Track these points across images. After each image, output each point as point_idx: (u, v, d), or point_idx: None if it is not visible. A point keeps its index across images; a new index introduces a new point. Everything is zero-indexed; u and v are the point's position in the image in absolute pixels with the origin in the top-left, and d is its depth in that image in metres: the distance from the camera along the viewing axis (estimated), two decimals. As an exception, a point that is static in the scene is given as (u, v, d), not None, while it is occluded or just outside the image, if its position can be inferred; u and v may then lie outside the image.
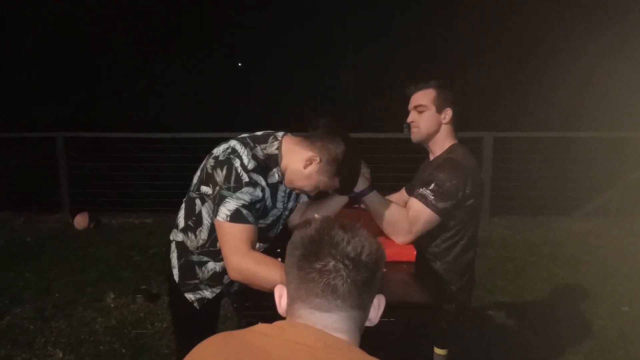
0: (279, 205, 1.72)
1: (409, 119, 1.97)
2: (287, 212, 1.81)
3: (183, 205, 1.78)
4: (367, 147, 5.64)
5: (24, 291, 3.76)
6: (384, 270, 1.58)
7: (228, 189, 1.54)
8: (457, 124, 1.96)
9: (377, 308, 0.91)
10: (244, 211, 1.54)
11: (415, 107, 1.94)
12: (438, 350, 1.35)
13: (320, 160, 1.59)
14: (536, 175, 5.74)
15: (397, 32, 13.39)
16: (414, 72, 13.19)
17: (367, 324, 0.91)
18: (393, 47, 13.60)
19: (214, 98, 14.93)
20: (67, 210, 5.68)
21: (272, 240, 1.80)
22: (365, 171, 1.79)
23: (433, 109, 1.91)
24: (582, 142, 5.82)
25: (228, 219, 1.53)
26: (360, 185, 1.78)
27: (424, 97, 1.92)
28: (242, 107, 14.29)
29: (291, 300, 0.89)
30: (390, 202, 1.86)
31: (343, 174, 1.60)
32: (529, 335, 3.11)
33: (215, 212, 1.57)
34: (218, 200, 1.56)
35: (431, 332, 1.39)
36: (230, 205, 1.54)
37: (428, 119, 1.91)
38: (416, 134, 1.96)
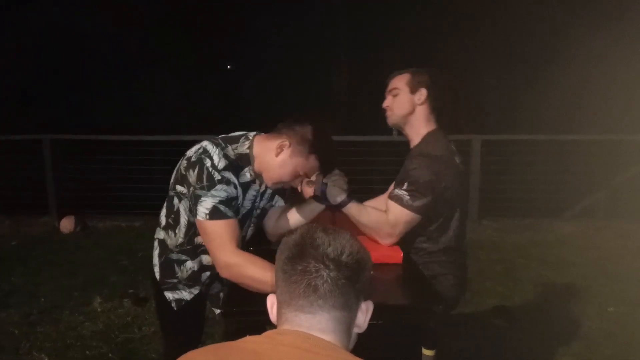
0: (247, 204, 1.72)
1: (384, 104, 1.96)
2: (257, 211, 1.79)
3: (165, 204, 1.78)
4: (359, 149, 5.70)
5: (9, 296, 3.71)
6: (371, 272, 1.59)
7: (202, 188, 1.55)
8: (437, 109, 1.93)
9: (365, 313, 0.92)
10: (222, 207, 1.54)
11: (390, 90, 1.94)
12: (426, 352, 1.34)
13: (290, 143, 1.59)
14: (525, 177, 5.79)
15: (390, 35, 13.44)
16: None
17: (356, 330, 0.92)
18: (385, 50, 13.64)
19: (204, 101, 14.87)
20: (53, 214, 5.61)
21: (244, 242, 1.78)
22: (342, 182, 1.76)
23: (406, 89, 1.89)
24: (571, 144, 5.88)
25: (207, 217, 1.54)
26: (337, 196, 1.76)
27: (398, 81, 1.92)
28: (233, 109, 14.25)
29: (279, 306, 0.92)
30: (369, 208, 1.83)
31: (318, 151, 1.60)
32: (518, 336, 3.12)
33: (194, 213, 1.57)
34: (194, 201, 1.56)
35: (419, 333, 1.38)
36: (206, 203, 1.54)
37: (401, 100, 1.90)
38: (390, 117, 1.95)
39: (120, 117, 11.08)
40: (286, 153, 1.60)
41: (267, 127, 1.78)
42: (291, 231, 0.95)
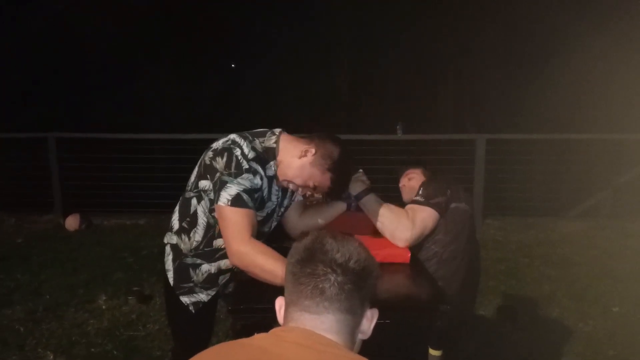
0: (273, 198, 1.74)
1: (401, 184, 2.35)
2: (282, 209, 1.81)
3: (177, 208, 1.78)
4: (360, 148, 5.71)
5: (14, 293, 3.73)
6: (377, 279, 1.59)
7: (229, 174, 1.56)
8: None
9: (370, 319, 0.96)
10: (245, 196, 1.56)
11: (406, 174, 2.33)
12: (433, 352, 1.35)
13: (316, 152, 1.63)
14: (529, 176, 5.78)
15: (391, 34, 13.42)
16: (408, 74, 13.22)
17: (361, 336, 0.96)
18: (387, 49, 13.63)
19: (207, 99, 14.88)
20: (58, 212, 5.64)
21: (266, 237, 1.80)
22: (363, 177, 1.85)
23: (421, 175, 2.29)
24: (574, 143, 5.87)
25: (229, 203, 1.55)
26: (358, 188, 1.83)
27: (414, 170, 2.33)
28: (235, 108, 14.25)
29: (287, 306, 0.95)
30: (389, 203, 1.89)
31: (335, 173, 1.63)
32: (521, 336, 3.12)
33: (216, 198, 1.58)
34: (219, 186, 1.57)
35: (426, 333, 1.39)
36: (231, 190, 1.55)
37: (416, 182, 2.21)
38: (408, 193, 2.24)
39: (124, 116, 11.10)
40: (308, 159, 1.63)
41: (268, 124, 1.79)
42: (302, 236, 0.99)
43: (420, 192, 1.97)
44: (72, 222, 5.34)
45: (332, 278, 0.89)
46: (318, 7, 14.32)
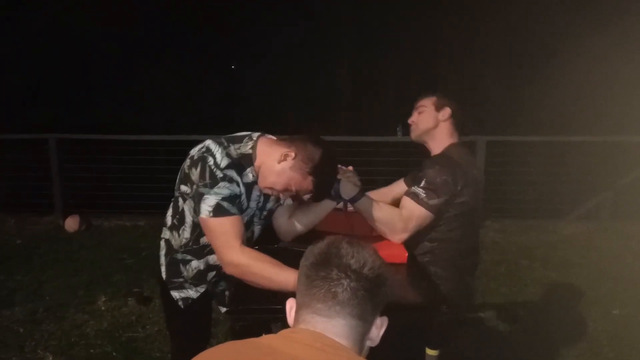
0: (252, 204, 1.72)
1: (410, 120, 2.06)
2: (264, 213, 1.79)
3: (171, 204, 1.79)
4: (361, 150, 5.72)
5: (14, 294, 3.73)
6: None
7: (204, 185, 1.55)
8: (459, 126, 2.03)
9: (379, 327, 0.96)
10: (225, 204, 1.54)
11: (417, 108, 2.05)
12: (430, 351, 1.35)
13: (296, 155, 1.58)
14: (529, 178, 5.77)
15: (392, 34, 13.44)
16: (409, 75, 13.23)
17: (369, 343, 0.96)
18: (387, 49, 13.64)
19: (208, 100, 14.90)
20: (59, 213, 5.63)
21: (251, 242, 1.79)
22: (354, 179, 1.79)
23: (432, 107, 2.00)
24: (575, 145, 5.87)
25: (211, 214, 1.54)
26: (351, 191, 1.79)
27: (425, 101, 2.04)
28: (237, 109, 14.27)
29: (298, 308, 0.96)
30: (382, 203, 1.87)
31: (317, 176, 1.59)
32: (521, 338, 3.12)
33: (198, 211, 1.57)
34: (197, 199, 1.57)
35: (423, 332, 1.39)
36: (210, 201, 1.54)
37: (426, 116, 2.01)
38: (414, 130, 2.04)
39: (124, 117, 11.12)
40: (288, 163, 1.59)
41: (270, 127, 1.79)
42: (317, 240, 0.99)
43: (423, 183, 1.83)
44: (71, 224, 5.34)
45: (346, 283, 0.90)
46: (319, 8, 14.34)
